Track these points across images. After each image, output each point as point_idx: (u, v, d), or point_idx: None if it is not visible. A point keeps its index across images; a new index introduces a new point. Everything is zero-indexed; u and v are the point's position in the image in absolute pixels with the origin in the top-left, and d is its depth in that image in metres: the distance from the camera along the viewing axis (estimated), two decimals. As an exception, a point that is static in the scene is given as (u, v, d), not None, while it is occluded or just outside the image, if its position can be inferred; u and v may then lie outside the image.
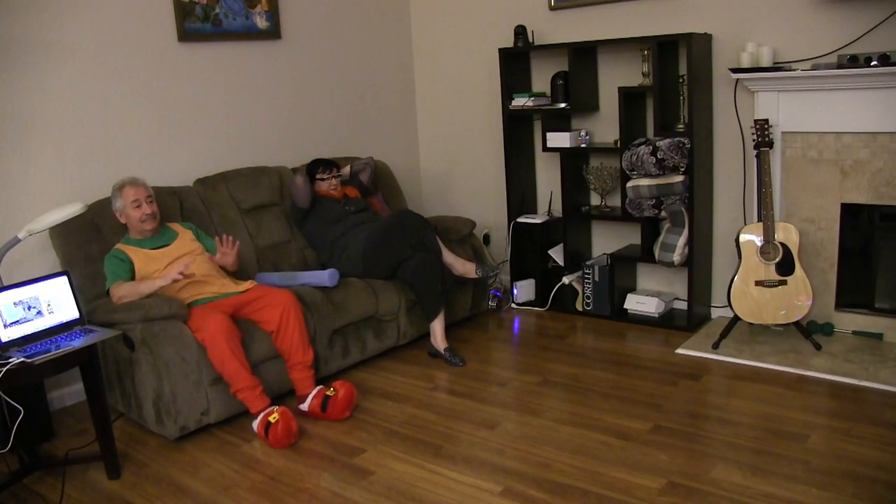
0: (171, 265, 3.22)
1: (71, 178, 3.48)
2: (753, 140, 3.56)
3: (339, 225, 3.90)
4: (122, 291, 3.08)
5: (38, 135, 3.35)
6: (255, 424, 3.04)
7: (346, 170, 4.23)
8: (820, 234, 3.66)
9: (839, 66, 3.31)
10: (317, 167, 4.03)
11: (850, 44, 3.40)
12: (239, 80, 4.12)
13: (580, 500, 2.45)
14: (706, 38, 3.80)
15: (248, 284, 3.35)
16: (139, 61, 3.67)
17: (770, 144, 3.51)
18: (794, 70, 3.49)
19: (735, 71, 3.63)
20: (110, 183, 3.35)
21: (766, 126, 3.51)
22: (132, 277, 3.17)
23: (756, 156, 3.59)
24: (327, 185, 3.99)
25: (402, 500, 2.53)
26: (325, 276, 3.58)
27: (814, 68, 3.41)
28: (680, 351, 3.68)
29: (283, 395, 3.33)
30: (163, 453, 2.99)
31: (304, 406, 3.20)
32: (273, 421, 2.94)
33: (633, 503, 2.42)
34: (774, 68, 3.54)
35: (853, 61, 3.26)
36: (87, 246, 3.30)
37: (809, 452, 2.66)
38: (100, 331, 2.82)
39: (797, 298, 3.46)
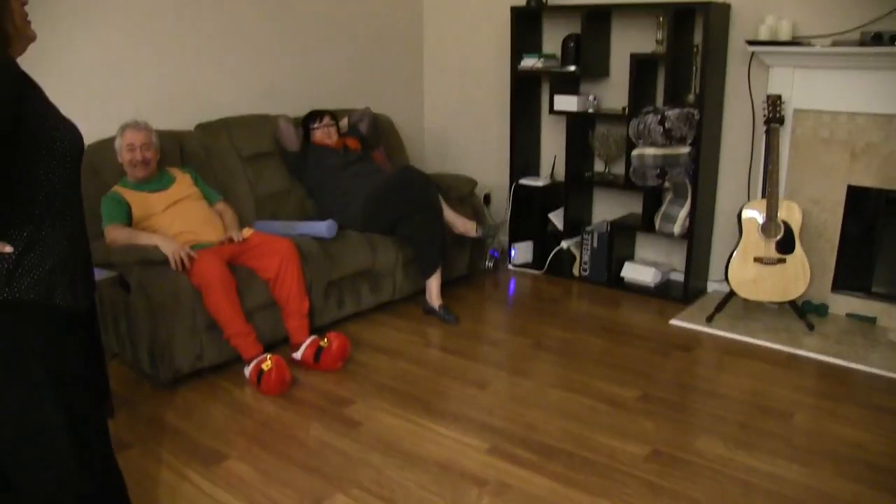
0: (169, 209, 3.22)
1: (73, 119, 3.42)
2: (764, 116, 3.52)
3: (340, 176, 3.88)
4: (118, 235, 3.08)
5: (37, 76, 3.29)
6: (248, 371, 3.06)
7: (345, 122, 4.20)
8: (823, 215, 3.65)
9: (861, 44, 3.25)
10: (309, 118, 4.03)
11: (874, 21, 3.32)
12: (244, 28, 4.04)
13: (565, 463, 2.49)
14: (724, 8, 3.73)
15: (246, 232, 3.34)
16: (144, 6, 3.60)
17: (781, 121, 3.47)
18: (814, 46, 3.43)
19: (751, 43, 3.57)
20: (110, 125, 3.32)
21: (778, 102, 3.47)
22: (129, 220, 3.16)
23: (766, 132, 3.55)
24: (321, 133, 3.97)
25: (390, 453, 2.57)
26: (324, 228, 3.57)
27: (834, 45, 3.35)
28: (673, 322, 3.70)
29: (276, 344, 3.34)
30: (156, 395, 3.02)
31: (297, 355, 3.23)
32: (266, 369, 2.96)
33: (618, 468, 2.45)
34: (793, 43, 3.48)
35: (877, 39, 3.19)
36: (84, 187, 3.25)
37: (793, 430, 2.69)
38: (96, 271, 2.80)
39: (795, 277, 3.46)
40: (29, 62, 1.67)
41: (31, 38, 1.63)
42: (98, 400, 1.79)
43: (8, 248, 1.48)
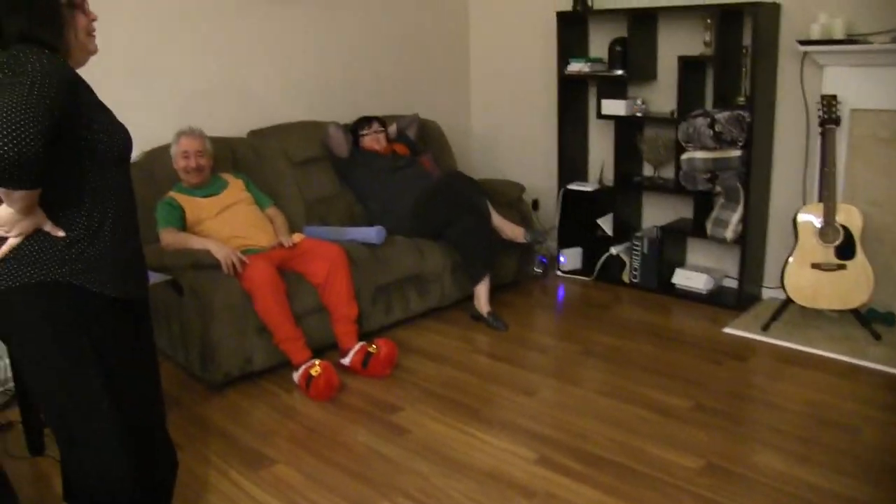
0: (221, 213, 3.27)
1: (127, 125, 3.50)
2: (819, 117, 3.41)
3: (388, 181, 3.89)
4: (172, 239, 3.14)
5: (95, 83, 3.37)
6: (297, 376, 3.08)
7: (393, 128, 4.22)
8: (887, 219, 3.50)
9: (922, 41, 3.13)
10: (359, 124, 4.06)
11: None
12: (293, 36, 4.10)
13: (615, 474, 2.43)
14: (774, 8, 3.63)
15: (296, 237, 3.38)
16: (197, 13, 3.68)
17: (837, 122, 3.36)
18: (871, 43, 3.31)
19: (803, 43, 3.46)
20: (166, 131, 3.41)
21: (833, 102, 3.36)
22: (183, 224, 3.23)
23: (821, 133, 3.44)
24: (371, 139, 3.99)
25: (437, 461, 2.55)
26: (373, 234, 3.58)
27: (893, 41, 3.23)
28: (727, 330, 3.60)
29: (325, 349, 3.36)
30: (206, 397, 3.06)
31: (346, 360, 3.23)
32: (315, 374, 2.98)
33: (670, 481, 2.39)
34: (847, 41, 3.36)
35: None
36: (140, 191, 3.31)
37: (860, 445, 2.57)
38: (150, 275, 2.86)
39: (856, 284, 3.33)
40: (89, 69, 1.72)
41: (92, 51, 1.71)
42: (153, 383, 1.87)
43: (61, 233, 1.58)
